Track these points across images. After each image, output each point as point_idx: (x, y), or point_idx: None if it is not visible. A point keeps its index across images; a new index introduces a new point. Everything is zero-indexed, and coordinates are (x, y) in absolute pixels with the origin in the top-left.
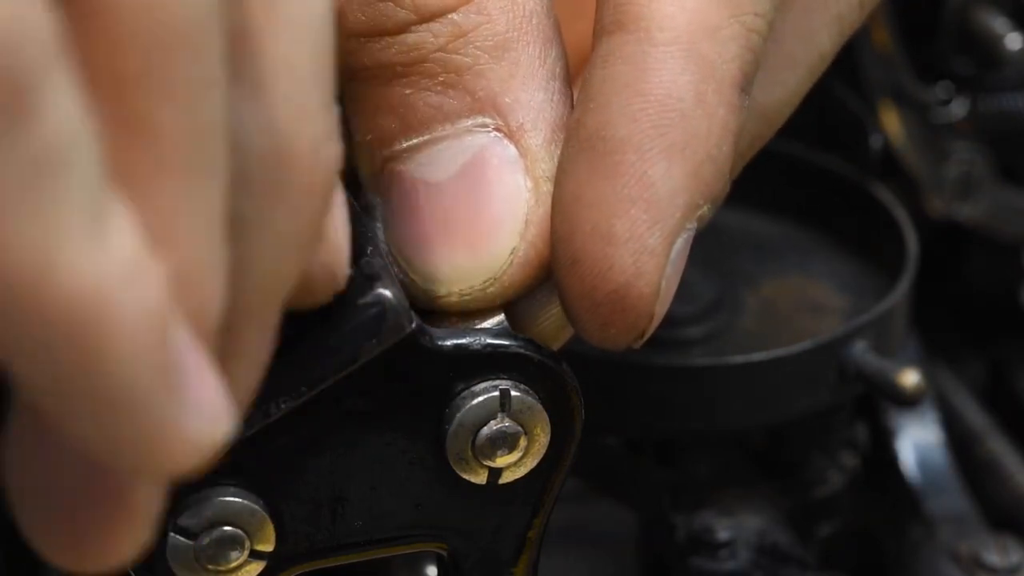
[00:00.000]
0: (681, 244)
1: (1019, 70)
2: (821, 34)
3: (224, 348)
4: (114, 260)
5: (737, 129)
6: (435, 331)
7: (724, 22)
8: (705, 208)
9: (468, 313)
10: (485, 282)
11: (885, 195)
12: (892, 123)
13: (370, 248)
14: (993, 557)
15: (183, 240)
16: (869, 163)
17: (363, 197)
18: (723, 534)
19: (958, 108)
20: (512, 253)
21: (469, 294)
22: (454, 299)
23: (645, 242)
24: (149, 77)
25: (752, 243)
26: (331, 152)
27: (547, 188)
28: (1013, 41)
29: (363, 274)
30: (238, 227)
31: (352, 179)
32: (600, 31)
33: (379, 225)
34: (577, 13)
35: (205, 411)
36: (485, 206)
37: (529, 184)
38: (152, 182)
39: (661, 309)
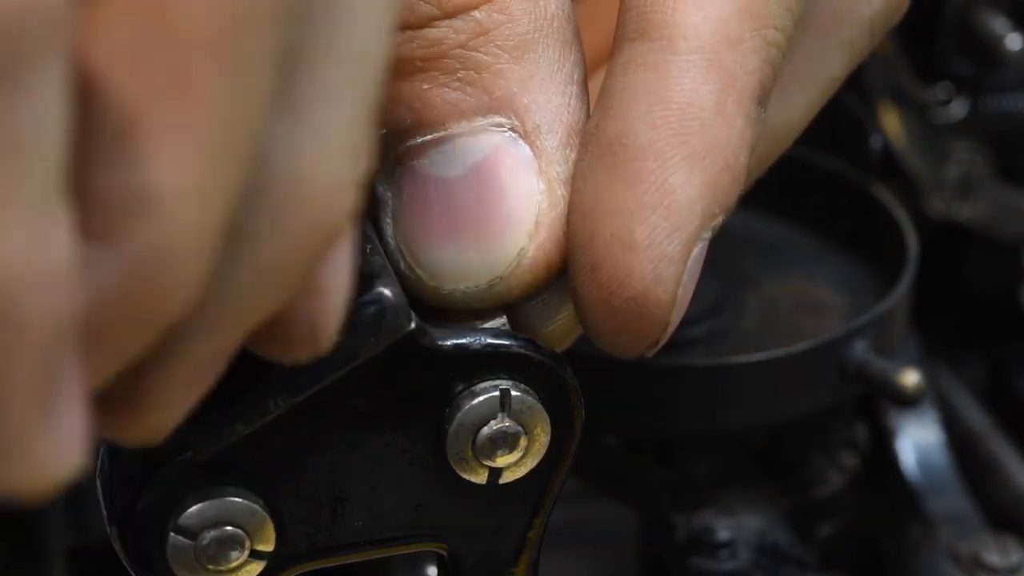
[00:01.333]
0: (697, 252)
1: (1019, 70)
2: (833, 57)
3: (166, 356)
4: (45, 258)
5: (753, 140)
6: (435, 331)
7: (747, 34)
8: (720, 218)
9: (471, 312)
10: (491, 281)
11: (885, 195)
12: (892, 124)
13: (369, 247)
14: (993, 557)
15: (183, 203)
16: (869, 164)
17: (374, 190)
18: (723, 534)
19: (958, 108)
20: (520, 254)
21: (475, 292)
22: (459, 296)
23: (664, 249)
24: (210, 42)
25: (753, 244)
26: (348, 201)
27: (560, 191)
28: (1013, 41)
29: (362, 273)
30: (231, 240)
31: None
32: (622, 38)
33: (388, 220)
34: (584, 25)
35: (64, 444)
36: (496, 205)
37: (542, 186)
38: (176, 134)
39: (676, 318)
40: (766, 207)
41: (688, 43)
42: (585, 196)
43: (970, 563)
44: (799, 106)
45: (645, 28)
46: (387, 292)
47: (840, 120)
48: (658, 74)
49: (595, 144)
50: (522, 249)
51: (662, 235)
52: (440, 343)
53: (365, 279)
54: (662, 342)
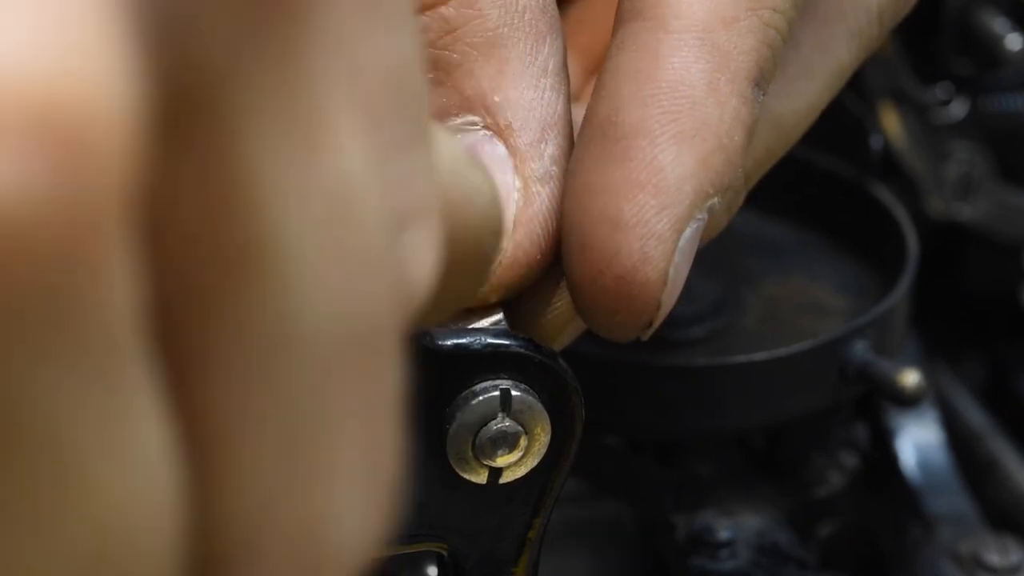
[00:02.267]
0: (690, 233)
1: (1019, 70)
2: (840, 47)
3: None
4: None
5: (750, 122)
6: (435, 331)
7: (742, 14)
8: (715, 200)
9: (464, 311)
10: None
11: (885, 195)
12: (892, 124)
13: None
14: (993, 557)
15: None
16: (869, 163)
17: None
18: (723, 534)
19: (958, 108)
20: (500, 253)
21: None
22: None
23: (653, 227)
24: None
25: (753, 243)
26: None
27: (536, 188)
28: (1013, 41)
29: None
30: None
31: None
32: (618, 20)
33: None
34: (583, 26)
35: None
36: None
37: (518, 184)
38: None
39: (669, 299)
40: (766, 207)
41: (680, 22)
42: (577, 176)
43: (970, 563)
44: (806, 96)
45: (640, 8)
46: None
47: (840, 120)
48: (649, 53)
49: (588, 125)
50: (501, 249)
51: (650, 213)
52: (440, 343)
53: None
54: (656, 324)
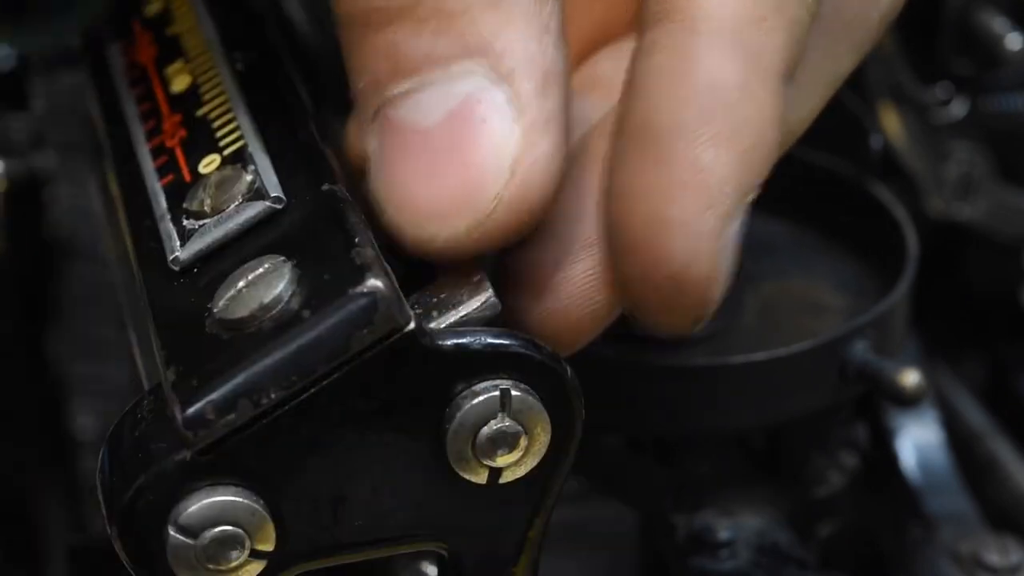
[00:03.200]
0: (734, 229)
1: (1019, 70)
2: (842, 56)
3: None
4: None
5: (781, 117)
6: (435, 330)
7: (769, 12)
8: (752, 196)
9: (458, 272)
10: (469, 227)
11: (885, 195)
12: (892, 123)
13: (358, 238)
14: (993, 557)
15: None
16: (869, 163)
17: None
18: (723, 534)
19: (958, 108)
20: (496, 199)
21: (454, 240)
22: (439, 244)
23: (699, 227)
24: None
25: (752, 243)
26: None
27: (536, 137)
28: (1013, 41)
29: (354, 264)
30: None
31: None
32: (645, 22)
33: (371, 172)
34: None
35: None
36: (471, 151)
37: (517, 131)
38: None
39: (718, 294)
40: (766, 207)
41: (710, 23)
42: (618, 182)
43: (970, 563)
44: (811, 103)
45: (667, 10)
46: (379, 284)
47: (840, 120)
48: (681, 55)
49: (624, 129)
50: (498, 195)
51: (696, 213)
52: (440, 343)
53: (356, 271)
54: (707, 318)
